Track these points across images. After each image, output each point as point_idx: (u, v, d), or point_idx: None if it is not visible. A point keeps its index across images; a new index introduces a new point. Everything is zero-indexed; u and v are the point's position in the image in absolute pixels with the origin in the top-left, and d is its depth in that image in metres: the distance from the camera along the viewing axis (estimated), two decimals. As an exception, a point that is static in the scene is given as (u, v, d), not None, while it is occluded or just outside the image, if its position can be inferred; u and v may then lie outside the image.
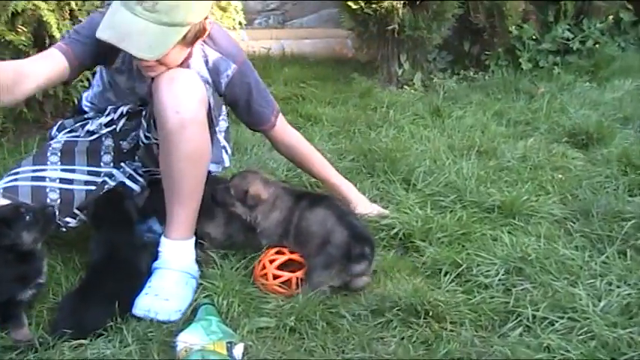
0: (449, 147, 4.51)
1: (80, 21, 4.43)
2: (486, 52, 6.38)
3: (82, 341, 2.59)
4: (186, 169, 2.89)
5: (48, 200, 3.06)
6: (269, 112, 3.34)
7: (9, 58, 4.17)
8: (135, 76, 3.08)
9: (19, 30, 4.30)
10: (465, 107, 5.46)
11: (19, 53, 4.26)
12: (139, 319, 2.75)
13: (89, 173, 3.21)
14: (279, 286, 2.92)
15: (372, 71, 6.34)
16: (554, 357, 2.41)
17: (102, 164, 3.25)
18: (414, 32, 5.92)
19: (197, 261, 3.00)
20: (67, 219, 3.11)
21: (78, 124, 3.27)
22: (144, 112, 3.13)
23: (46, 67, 2.85)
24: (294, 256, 3.01)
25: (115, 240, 2.98)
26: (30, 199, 3.03)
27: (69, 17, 4.46)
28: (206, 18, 2.88)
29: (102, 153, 3.26)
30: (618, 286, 2.85)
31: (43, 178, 3.10)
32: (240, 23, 6.28)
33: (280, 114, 3.42)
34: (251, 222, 3.09)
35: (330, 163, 3.62)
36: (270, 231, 3.07)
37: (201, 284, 2.91)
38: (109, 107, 3.21)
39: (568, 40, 6.37)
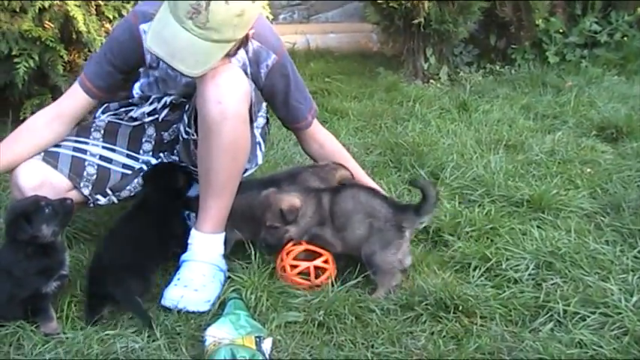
0: (476, 141, 4.48)
1: (107, 17, 4.47)
2: (513, 46, 6.33)
3: (110, 332, 2.60)
4: (223, 162, 2.88)
5: (85, 173, 3.09)
6: (305, 109, 3.30)
7: (36, 53, 4.23)
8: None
9: (47, 26, 4.31)
10: (492, 101, 5.43)
11: (46, 49, 4.29)
12: (166, 312, 2.75)
13: (128, 157, 3.23)
14: (299, 277, 2.91)
15: (398, 65, 6.32)
16: (587, 352, 2.38)
17: (141, 151, 3.27)
18: (440, 26, 5.88)
19: (225, 256, 3.00)
20: (98, 196, 3.13)
21: (122, 109, 3.27)
22: (186, 106, 3.14)
23: (71, 111, 3.08)
24: (311, 247, 2.99)
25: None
26: (69, 168, 3.05)
27: (95, 13, 4.47)
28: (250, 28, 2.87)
29: (143, 140, 3.28)
30: (651, 282, 2.82)
31: (84, 151, 3.13)
32: (267, 18, 6.26)
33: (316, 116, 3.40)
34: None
35: (361, 165, 3.57)
36: (306, 226, 3.01)
37: (230, 278, 2.90)
38: (153, 97, 3.22)
39: (596, 33, 6.31)
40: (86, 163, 3.11)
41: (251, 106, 2.94)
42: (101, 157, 3.16)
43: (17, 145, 3.00)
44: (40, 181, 2.96)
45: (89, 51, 4.53)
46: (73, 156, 3.09)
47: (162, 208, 3.07)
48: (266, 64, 3.10)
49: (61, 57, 4.37)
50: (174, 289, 2.82)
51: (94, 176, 3.11)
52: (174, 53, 2.70)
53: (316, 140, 3.40)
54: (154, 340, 2.57)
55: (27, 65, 4.24)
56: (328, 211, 2.98)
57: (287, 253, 2.96)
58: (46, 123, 3.05)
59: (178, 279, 2.86)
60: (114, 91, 3.15)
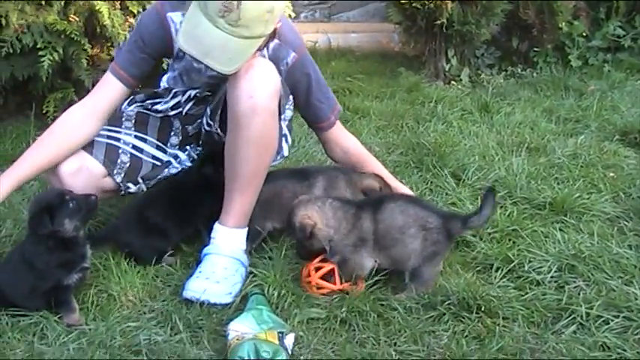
0: (498, 143, 4.47)
1: (131, 12, 4.49)
2: (535, 49, 6.30)
3: (132, 324, 2.63)
4: (251, 156, 2.89)
5: (119, 161, 3.12)
6: (327, 109, 3.30)
7: (61, 46, 4.25)
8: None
9: (72, 19, 4.35)
10: (514, 104, 5.41)
11: (71, 42, 4.32)
12: (188, 306, 2.77)
13: (157, 148, 3.26)
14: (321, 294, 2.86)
15: (419, 66, 6.31)
16: (611, 356, 2.38)
17: (169, 144, 3.30)
18: (462, 27, 5.87)
19: (247, 252, 3.02)
20: (130, 184, 3.15)
21: (148, 101, 3.28)
22: (210, 101, 3.16)
23: (106, 103, 3.09)
24: None
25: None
26: (104, 154, 3.09)
27: (120, 7, 4.49)
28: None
29: (171, 134, 3.30)
30: (674, 287, 2.80)
31: (118, 139, 3.17)
32: (289, 16, 6.28)
33: (339, 120, 3.38)
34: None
35: (383, 164, 3.55)
36: (341, 244, 2.87)
37: (252, 273, 2.91)
38: (178, 90, 3.23)
39: (619, 37, 6.28)
40: (120, 151, 3.14)
41: (279, 99, 2.94)
42: (134, 147, 3.19)
43: (51, 147, 3.00)
44: (79, 166, 3.01)
45: (112, 45, 4.57)
46: (107, 143, 3.12)
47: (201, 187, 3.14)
48: (285, 61, 3.11)
49: (85, 51, 4.40)
50: (196, 281, 2.84)
51: (128, 164, 3.14)
52: (208, 52, 2.72)
53: (340, 144, 3.39)
54: (176, 334, 2.60)
55: (51, 58, 4.28)
56: (371, 232, 2.86)
57: (316, 270, 2.87)
58: (80, 121, 3.05)
59: (200, 271, 2.88)
60: (145, 79, 3.17)
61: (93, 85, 4.44)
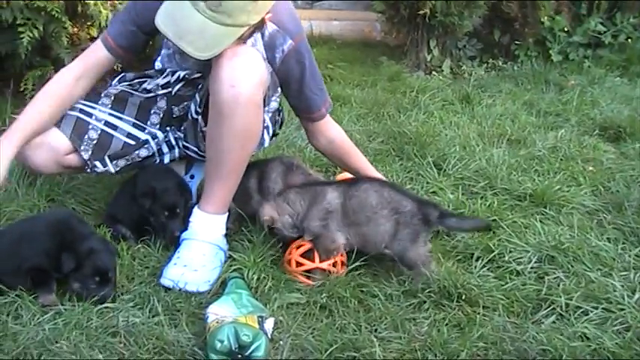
0: (479, 134, 4.48)
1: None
2: (516, 42, 6.31)
3: (109, 305, 2.59)
4: (233, 147, 2.84)
5: (86, 137, 3.06)
6: (320, 100, 3.24)
7: (41, 23, 4.18)
8: None
9: (52, -3, 4.27)
10: (495, 96, 5.42)
11: (51, 19, 4.24)
12: (166, 289, 2.73)
13: (134, 126, 3.19)
14: (302, 274, 2.85)
15: (401, 56, 6.30)
16: (590, 346, 2.38)
17: (149, 123, 3.23)
18: (445, 18, 5.85)
19: (226, 235, 2.98)
20: (97, 162, 3.08)
21: (137, 80, 3.23)
22: (200, 85, 3.12)
23: (93, 68, 3.04)
24: None
25: None
26: (71, 129, 3.03)
27: (100, -15, 4.43)
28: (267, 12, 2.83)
29: (152, 112, 3.23)
30: (652, 279, 2.82)
31: (90, 115, 3.10)
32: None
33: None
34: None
35: (364, 152, 3.54)
36: (307, 223, 2.90)
37: (231, 257, 2.89)
38: (168, 70, 3.18)
39: (600, 33, 6.30)
40: (90, 126, 3.08)
41: (266, 90, 2.91)
42: (106, 123, 3.12)
43: (51, 102, 2.97)
44: (40, 140, 2.95)
45: (93, 25, 4.50)
46: (77, 117, 3.06)
47: None
48: (282, 48, 3.05)
49: (65, 29, 4.32)
50: (173, 268, 2.80)
51: (95, 141, 3.07)
52: (183, 34, 2.67)
53: (325, 135, 3.34)
54: (154, 316, 2.56)
55: (31, 35, 4.18)
56: (339, 205, 2.89)
57: (297, 247, 2.89)
58: (75, 79, 3.01)
59: (178, 257, 2.84)
60: (136, 52, 3.10)
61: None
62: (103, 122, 3.11)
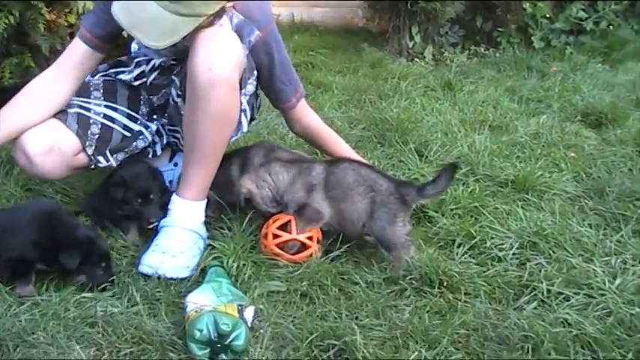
0: (461, 120, 4.47)
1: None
2: (498, 29, 6.33)
3: (87, 295, 2.56)
4: (210, 131, 2.81)
5: (89, 132, 3.01)
6: (290, 91, 3.23)
7: (17, 10, 4.11)
8: None
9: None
10: (477, 82, 5.44)
11: (28, 6, 4.17)
12: (145, 278, 2.70)
13: (128, 117, 3.15)
14: (278, 248, 2.84)
15: (383, 42, 6.31)
16: (571, 332, 2.37)
17: (140, 114, 3.20)
18: (427, 4, 5.86)
19: (205, 223, 2.95)
20: (100, 157, 3.05)
21: (112, 70, 3.19)
22: (175, 70, 3.08)
23: (72, 65, 2.98)
24: None
25: None
26: (77, 123, 2.98)
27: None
28: None
29: (141, 103, 3.20)
30: (633, 265, 2.82)
31: (88, 109, 3.06)
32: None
33: (303, 98, 3.33)
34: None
35: (345, 139, 3.52)
36: (291, 195, 2.93)
37: (211, 245, 2.85)
38: (141, 59, 3.13)
39: (582, 20, 6.32)
40: (91, 121, 3.03)
41: (243, 72, 2.88)
42: (105, 116, 3.08)
43: (23, 108, 2.91)
44: (49, 145, 2.88)
45: (70, 12, 4.43)
46: (78, 113, 3.01)
47: None
48: (249, 39, 3.02)
49: (42, 15, 4.25)
50: (152, 254, 2.76)
51: (97, 136, 3.03)
52: (137, 23, 2.62)
53: (301, 122, 3.34)
54: (133, 305, 2.53)
55: (7, 22, 4.11)
56: (322, 178, 2.91)
57: (273, 221, 2.89)
58: (50, 82, 2.96)
59: (156, 244, 2.81)
60: (114, 40, 3.02)
61: (50, 51, 4.37)
62: (101, 115, 3.07)
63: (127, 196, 2.96)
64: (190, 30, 2.67)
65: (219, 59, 2.72)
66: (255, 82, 3.12)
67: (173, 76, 3.10)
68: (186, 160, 2.90)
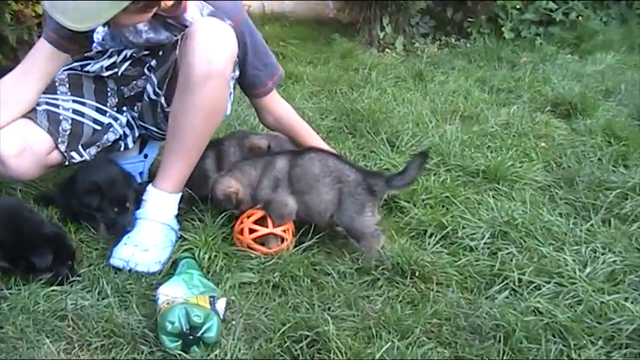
0: (432, 111, 4.48)
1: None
2: (469, 20, 6.34)
3: (56, 288, 2.53)
4: (198, 122, 2.81)
5: (60, 129, 2.95)
6: (264, 75, 3.20)
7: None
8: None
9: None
10: (448, 73, 5.45)
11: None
12: (116, 270, 2.68)
13: (97, 110, 3.10)
14: (255, 242, 2.83)
15: (353, 33, 6.29)
16: (543, 320, 2.38)
17: (108, 105, 3.14)
18: (398, -5, 5.85)
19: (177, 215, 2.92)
20: (73, 153, 2.98)
21: (77, 64, 3.11)
22: (148, 64, 3.05)
23: (36, 64, 2.90)
24: None
25: None
26: (47, 120, 2.91)
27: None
28: None
29: (109, 94, 3.15)
30: (603, 254, 2.84)
31: (57, 106, 2.99)
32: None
33: (275, 90, 3.31)
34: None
35: (316, 130, 3.51)
36: (259, 192, 2.91)
37: (182, 237, 2.83)
38: (112, 50, 3.08)
39: (552, 11, 6.35)
40: (61, 117, 2.97)
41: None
42: (74, 111, 3.02)
43: None
44: (22, 146, 2.80)
45: (38, 2, 4.37)
46: (47, 110, 2.94)
47: None
48: None
49: (9, 5, 4.19)
50: (124, 248, 2.74)
51: (68, 131, 2.97)
52: (58, 5, 2.53)
53: (273, 112, 3.32)
54: (104, 298, 2.51)
55: (-28, 12, 4.07)
56: (286, 173, 2.90)
57: (248, 216, 2.87)
58: (17, 82, 2.87)
59: (129, 237, 2.78)
60: (80, 40, 2.93)
61: (17, 42, 4.31)
62: (71, 111, 3.01)
63: (102, 205, 2.86)
64: (113, 14, 2.56)
65: (218, 52, 2.74)
66: (237, 67, 3.10)
67: (148, 72, 3.06)
68: (169, 150, 2.88)
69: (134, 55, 3.06)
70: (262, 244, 2.83)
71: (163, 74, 2.98)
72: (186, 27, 2.89)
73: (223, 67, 2.77)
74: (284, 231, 2.86)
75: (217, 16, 2.95)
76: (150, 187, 2.87)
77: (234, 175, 2.93)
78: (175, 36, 2.94)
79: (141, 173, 3.37)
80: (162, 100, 2.99)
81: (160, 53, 3.02)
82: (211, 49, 2.72)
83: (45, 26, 2.94)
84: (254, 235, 2.83)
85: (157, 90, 3.01)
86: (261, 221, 2.86)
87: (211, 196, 2.94)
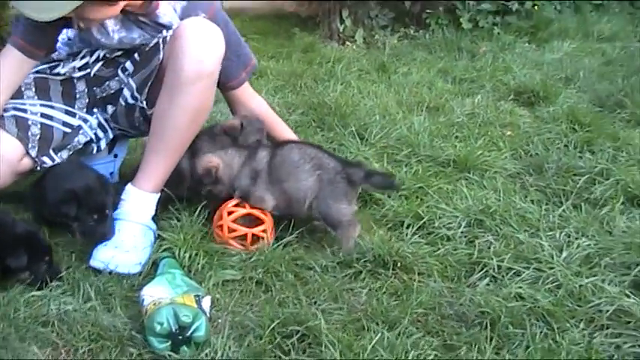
0: (397, 102, 4.51)
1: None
2: (427, 11, 6.38)
3: (36, 293, 2.50)
4: (185, 122, 2.80)
5: (30, 134, 2.88)
6: (236, 66, 3.17)
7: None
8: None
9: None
10: (410, 64, 5.49)
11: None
12: (96, 273, 2.64)
13: (66, 113, 3.04)
14: (234, 240, 2.83)
15: (314, 27, 6.31)
16: (525, 305, 2.42)
17: (76, 107, 3.08)
18: (356, -13, 5.87)
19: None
20: (44, 158, 2.92)
21: (45, 66, 3.05)
22: (122, 65, 3.02)
23: (6, 75, 2.84)
24: (254, 211, 2.90)
25: None
26: (15, 126, 2.85)
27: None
28: None
29: (77, 96, 3.09)
30: (577, 238, 2.89)
31: (24, 110, 2.92)
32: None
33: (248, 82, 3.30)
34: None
35: (287, 124, 3.52)
36: (239, 180, 2.94)
37: (160, 237, 2.81)
38: (85, 50, 3.04)
39: (508, 0, 6.42)
40: (29, 122, 2.91)
41: None
42: (42, 115, 2.96)
43: None
44: None
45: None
46: (15, 116, 2.88)
47: None
48: None
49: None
50: (103, 249, 2.70)
51: (38, 136, 2.91)
52: None
53: (246, 106, 3.30)
54: (86, 301, 2.47)
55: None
56: (266, 164, 2.92)
57: (228, 213, 2.87)
58: None
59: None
60: (47, 46, 2.91)
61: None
62: (39, 115, 2.95)
63: (79, 214, 2.72)
64: (79, 3, 2.53)
65: (209, 52, 2.76)
66: None
67: (122, 74, 3.03)
68: (151, 150, 2.85)
69: (107, 55, 3.03)
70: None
71: (144, 78, 2.95)
72: (160, 24, 2.87)
73: (213, 68, 2.78)
74: (263, 231, 2.85)
75: (191, 9, 2.94)
76: (129, 187, 2.84)
77: (218, 153, 2.96)
78: (148, 34, 2.92)
79: (111, 173, 3.33)
80: (144, 104, 2.97)
81: (136, 56, 2.99)
82: (202, 49, 2.73)
83: (12, 33, 2.90)
84: (233, 234, 2.83)
85: (135, 94, 2.98)
86: (241, 219, 2.86)
87: (192, 172, 2.96)
